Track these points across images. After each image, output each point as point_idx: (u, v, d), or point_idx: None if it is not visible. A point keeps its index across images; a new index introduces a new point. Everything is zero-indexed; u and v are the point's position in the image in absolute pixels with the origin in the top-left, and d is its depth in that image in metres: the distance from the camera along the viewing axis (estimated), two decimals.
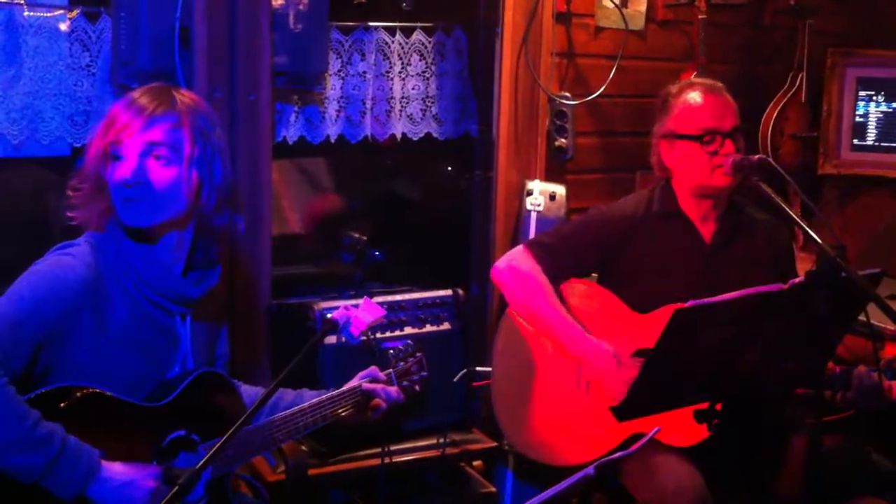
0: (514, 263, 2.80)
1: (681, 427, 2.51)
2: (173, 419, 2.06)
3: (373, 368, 2.42)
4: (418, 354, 2.57)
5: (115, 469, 1.92)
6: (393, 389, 2.42)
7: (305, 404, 2.25)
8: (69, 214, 2.12)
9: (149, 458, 2.01)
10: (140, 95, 2.07)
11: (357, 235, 3.37)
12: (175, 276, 2.12)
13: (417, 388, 2.55)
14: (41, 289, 1.95)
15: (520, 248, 2.85)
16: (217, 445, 1.72)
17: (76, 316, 1.96)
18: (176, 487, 1.62)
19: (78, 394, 1.95)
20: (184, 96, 2.11)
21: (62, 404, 1.93)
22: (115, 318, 2.02)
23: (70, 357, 1.96)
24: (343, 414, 2.32)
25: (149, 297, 2.08)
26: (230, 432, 1.74)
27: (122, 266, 2.06)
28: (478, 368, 3.05)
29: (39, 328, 1.92)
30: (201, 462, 1.67)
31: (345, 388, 2.34)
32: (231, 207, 2.15)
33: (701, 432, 2.52)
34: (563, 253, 2.79)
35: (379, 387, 2.38)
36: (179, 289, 2.12)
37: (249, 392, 2.41)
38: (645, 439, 1.90)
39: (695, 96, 2.73)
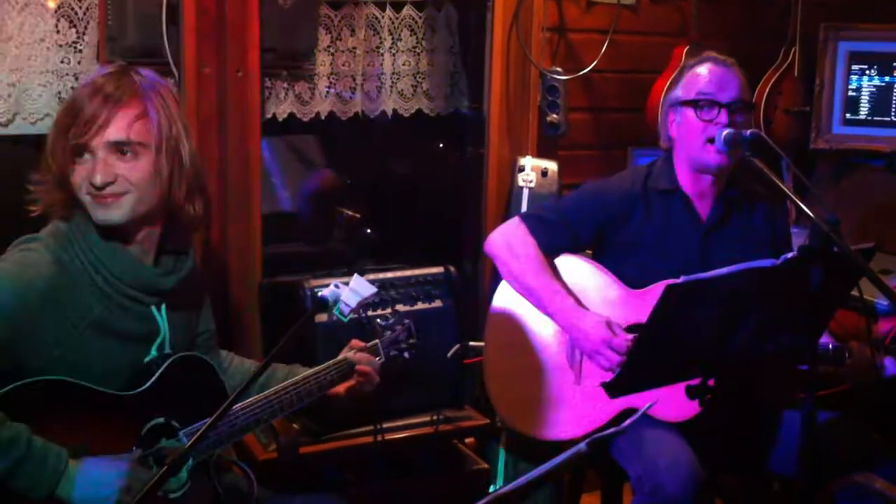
0: (509, 236, 2.78)
1: (673, 402, 2.52)
2: (151, 406, 2.03)
3: (353, 341, 2.41)
4: (406, 321, 2.55)
5: (84, 467, 1.88)
6: (378, 360, 2.41)
7: (289, 381, 2.22)
8: (31, 208, 2.04)
9: (129, 447, 1.97)
10: (104, 81, 1.98)
11: (350, 213, 3.36)
12: (147, 269, 2.07)
13: (406, 355, 2.54)
14: (4, 290, 1.89)
15: (514, 220, 2.83)
16: (208, 423, 1.70)
17: (44, 315, 1.91)
18: (164, 468, 1.60)
19: (50, 387, 1.90)
20: (144, 78, 2.03)
21: (34, 400, 1.88)
22: (88, 312, 1.97)
23: (40, 354, 1.91)
24: (329, 389, 2.29)
25: (122, 291, 2.02)
26: (220, 410, 1.71)
27: (90, 262, 1.99)
28: (471, 343, 3.04)
29: (4, 330, 1.87)
30: (191, 440, 1.65)
31: (330, 362, 2.32)
32: (200, 193, 2.09)
33: (693, 407, 2.52)
34: (558, 227, 2.77)
35: (364, 356, 2.36)
36: (152, 281, 2.07)
37: (240, 366, 2.40)
38: (637, 415, 1.90)
39: (702, 66, 2.73)
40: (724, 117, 2.64)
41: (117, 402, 1.98)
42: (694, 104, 2.67)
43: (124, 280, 2.02)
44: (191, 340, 2.26)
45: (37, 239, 2.00)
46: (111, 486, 1.88)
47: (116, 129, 1.95)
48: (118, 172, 1.96)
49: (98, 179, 1.94)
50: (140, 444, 2.00)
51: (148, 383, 2.02)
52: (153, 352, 2.10)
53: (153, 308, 2.10)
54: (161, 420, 2.03)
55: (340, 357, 2.36)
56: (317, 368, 2.29)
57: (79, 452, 1.90)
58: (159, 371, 2.04)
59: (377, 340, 2.47)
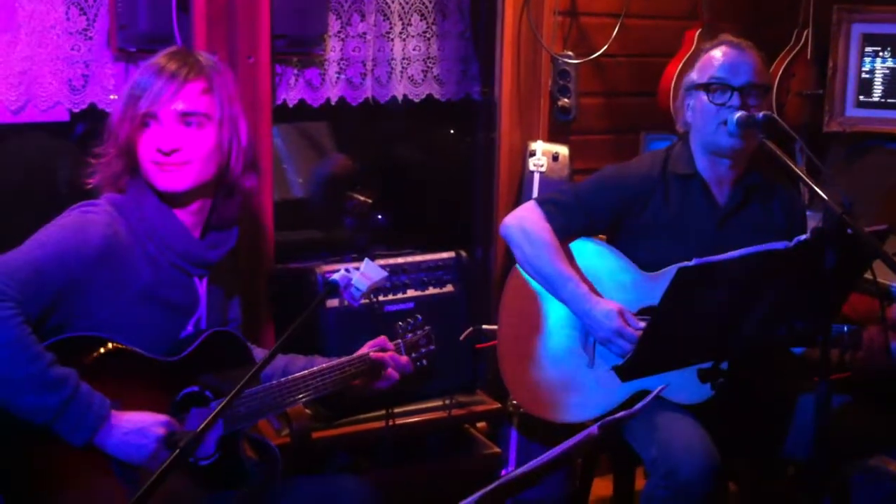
0: (524, 220, 2.78)
1: (687, 385, 2.51)
2: (187, 375, 2.10)
3: (382, 338, 2.44)
4: (427, 328, 2.58)
5: (125, 417, 1.95)
6: (403, 358, 2.44)
7: (316, 368, 2.27)
8: (88, 180, 2.15)
9: (163, 411, 2.03)
10: (167, 61, 2.11)
11: (362, 198, 3.35)
12: (195, 240, 2.16)
13: (425, 361, 2.57)
14: (65, 239, 1.99)
15: (530, 204, 2.83)
16: (221, 405, 1.72)
17: (97, 271, 2.00)
18: (176, 451, 1.61)
19: (95, 344, 1.99)
20: (206, 59, 2.16)
21: (79, 353, 1.97)
22: (138, 277, 2.06)
23: (87, 312, 2.00)
24: (352, 381, 2.34)
25: (171, 259, 2.12)
26: (233, 392, 1.75)
27: (144, 229, 2.09)
28: (483, 327, 3.04)
29: (60, 276, 1.95)
30: (202, 425, 1.66)
31: (355, 355, 2.35)
32: (254, 168, 2.22)
33: (706, 391, 2.52)
34: (574, 211, 2.76)
35: (388, 356, 2.39)
36: (199, 252, 2.16)
37: (259, 355, 2.41)
38: (649, 398, 1.90)
39: (717, 49, 2.71)
40: (736, 100, 2.62)
41: (157, 366, 2.06)
42: (707, 87, 2.66)
43: (175, 248, 2.11)
44: (224, 320, 2.33)
45: (95, 204, 2.10)
46: (148, 436, 1.94)
47: (185, 100, 2.09)
48: (184, 141, 2.08)
49: (166, 145, 2.07)
50: (172, 410, 2.06)
51: (185, 353, 2.09)
52: (190, 327, 2.17)
53: (195, 280, 2.18)
54: (195, 389, 2.10)
55: (364, 352, 2.39)
56: (339, 360, 2.32)
57: (115, 407, 1.96)
58: (198, 341, 2.11)
59: (399, 341, 2.51)
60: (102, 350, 2.00)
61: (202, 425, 1.67)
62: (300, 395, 2.24)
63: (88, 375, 1.94)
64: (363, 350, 2.39)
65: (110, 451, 1.93)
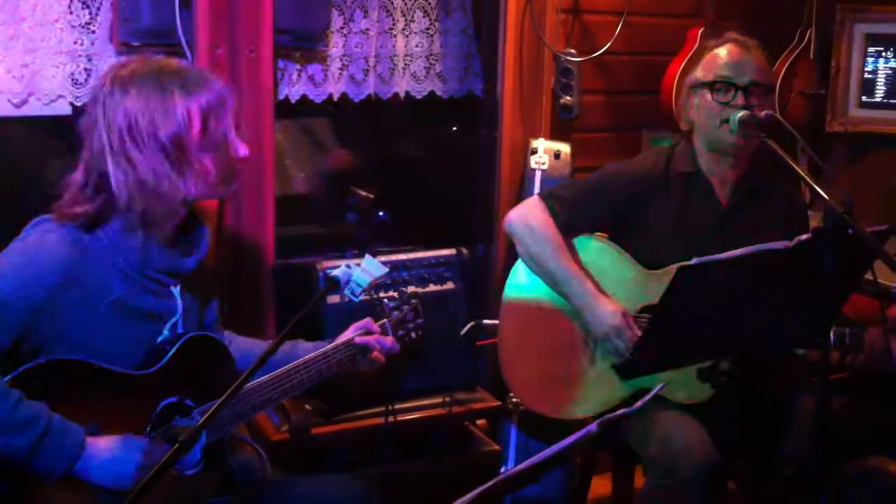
0: (527, 216, 2.78)
1: (686, 384, 2.51)
2: (165, 386, 2.04)
3: (367, 320, 2.38)
4: (413, 301, 2.52)
5: (102, 445, 1.90)
6: (388, 339, 2.37)
7: (300, 360, 2.21)
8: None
9: (143, 426, 1.99)
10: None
11: (364, 194, 3.34)
12: (167, 251, 2.09)
13: (414, 335, 2.51)
14: (26, 266, 1.91)
15: (534, 199, 2.83)
16: (220, 401, 1.70)
17: (63, 294, 1.93)
18: (177, 444, 1.60)
19: (65, 367, 1.92)
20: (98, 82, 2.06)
21: (51, 379, 1.89)
22: (108, 291, 1.99)
23: (59, 333, 1.94)
24: (338, 369, 2.28)
25: (144, 272, 2.05)
26: (233, 387, 1.72)
27: (112, 244, 2.01)
28: (484, 321, 3.04)
29: (25, 306, 1.89)
30: (203, 418, 1.66)
31: (338, 341, 2.30)
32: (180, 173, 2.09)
33: (705, 390, 2.52)
34: (578, 207, 2.77)
35: (373, 338, 2.33)
36: (173, 263, 2.10)
37: (242, 345, 2.38)
38: (648, 396, 1.90)
39: (721, 48, 2.72)
40: (740, 99, 2.62)
41: (131, 381, 2.00)
42: (711, 86, 2.66)
43: (149, 264, 2.05)
44: (200, 320, 2.27)
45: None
46: (130, 463, 1.90)
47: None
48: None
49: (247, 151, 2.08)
50: (154, 424, 2.01)
51: (161, 363, 2.03)
52: (166, 332, 2.11)
53: (170, 287, 2.12)
54: (175, 399, 2.04)
55: (348, 335, 2.33)
56: (324, 349, 2.27)
57: (92, 432, 1.91)
58: (172, 350, 2.05)
59: (385, 321, 2.44)
60: (74, 373, 1.93)
61: (203, 418, 1.67)
62: (286, 391, 2.17)
63: (63, 401, 1.88)
64: (347, 334, 2.33)
65: (91, 481, 1.89)
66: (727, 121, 2.61)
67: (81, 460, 1.87)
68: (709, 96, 2.67)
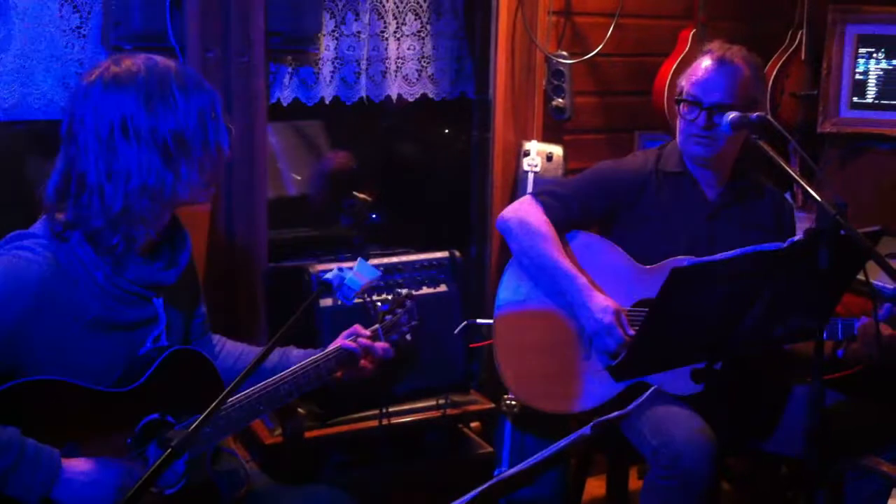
0: (521, 213, 2.81)
1: (683, 378, 2.51)
2: (146, 403, 1.98)
3: (356, 327, 2.32)
4: (407, 303, 2.45)
5: (79, 468, 1.86)
6: (379, 346, 2.31)
7: (287, 372, 2.15)
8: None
9: (123, 445, 1.94)
10: None
11: (362, 197, 3.33)
12: (150, 266, 2.02)
13: (409, 337, 2.44)
14: None
15: (527, 197, 2.86)
16: (212, 407, 1.68)
17: (37, 318, 1.86)
18: (152, 466, 1.57)
19: (42, 387, 1.86)
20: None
21: (26, 399, 1.84)
22: (86, 311, 1.92)
23: (34, 356, 1.87)
24: (327, 378, 2.22)
25: (122, 287, 1.97)
26: (223, 394, 1.70)
27: (90, 260, 1.94)
28: (478, 321, 3.04)
29: None
30: (196, 422, 1.64)
31: (328, 349, 2.25)
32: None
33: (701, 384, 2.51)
34: (571, 203, 2.80)
35: (363, 345, 2.28)
36: (153, 276, 2.02)
37: (232, 350, 2.35)
38: (640, 399, 1.91)
39: (701, 62, 2.77)
40: (702, 120, 2.69)
41: (111, 399, 1.94)
42: (678, 103, 2.76)
43: (127, 276, 1.98)
44: (186, 330, 2.20)
45: (30, 235, 1.94)
46: (108, 486, 1.86)
47: None
48: None
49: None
50: (135, 442, 1.96)
51: (142, 379, 1.97)
52: (148, 343, 2.05)
53: (153, 300, 2.05)
54: (156, 416, 1.99)
55: (337, 344, 2.28)
56: (313, 358, 2.21)
57: (71, 452, 1.87)
58: (153, 366, 1.98)
59: (377, 326, 2.38)
60: (49, 393, 1.86)
61: (195, 423, 1.65)
62: (273, 404, 2.11)
63: (38, 422, 1.83)
64: (337, 342, 2.27)
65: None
66: (692, 135, 2.71)
67: (58, 484, 1.82)
68: (679, 109, 2.76)
